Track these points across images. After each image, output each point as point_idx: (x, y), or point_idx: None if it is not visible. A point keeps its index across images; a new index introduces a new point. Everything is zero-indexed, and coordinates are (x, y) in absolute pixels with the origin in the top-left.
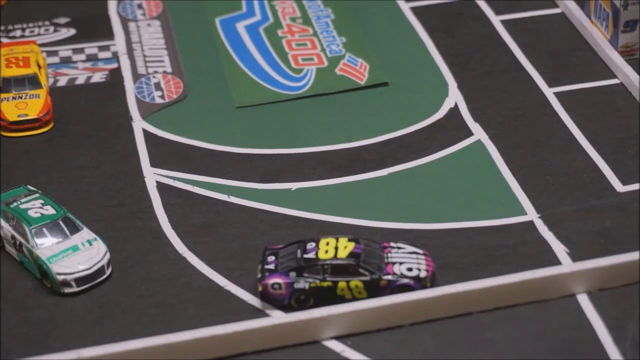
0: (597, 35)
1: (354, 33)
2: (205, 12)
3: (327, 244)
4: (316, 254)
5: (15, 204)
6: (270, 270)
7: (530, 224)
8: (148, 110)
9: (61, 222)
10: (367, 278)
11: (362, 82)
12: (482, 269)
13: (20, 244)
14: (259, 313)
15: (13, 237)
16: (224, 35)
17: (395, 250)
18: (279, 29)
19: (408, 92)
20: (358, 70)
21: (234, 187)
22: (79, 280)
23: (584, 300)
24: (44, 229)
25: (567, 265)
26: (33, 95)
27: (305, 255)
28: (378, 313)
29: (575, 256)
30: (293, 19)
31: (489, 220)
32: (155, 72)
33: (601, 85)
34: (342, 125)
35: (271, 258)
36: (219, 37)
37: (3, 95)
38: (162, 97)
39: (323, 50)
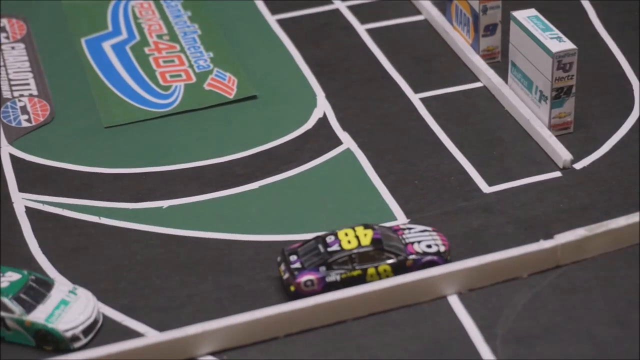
0: (459, 40)
1: (221, 48)
2: (71, 33)
3: (346, 234)
4: (340, 245)
5: None
6: (298, 269)
7: None
8: (15, 135)
9: (32, 283)
10: (394, 260)
11: (231, 96)
12: None
13: (2, 319)
14: (131, 334)
15: None
16: (90, 55)
17: (407, 231)
18: (146, 46)
19: (277, 104)
20: (226, 84)
21: (105, 208)
22: (86, 331)
23: (454, 302)
24: (22, 295)
25: (437, 267)
26: None
27: (330, 249)
28: (252, 326)
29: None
30: (160, 36)
31: None
32: (21, 95)
33: (465, 89)
34: (213, 140)
35: (293, 257)
36: (86, 58)
37: None
38: (29, 120)
39: (191, 66)
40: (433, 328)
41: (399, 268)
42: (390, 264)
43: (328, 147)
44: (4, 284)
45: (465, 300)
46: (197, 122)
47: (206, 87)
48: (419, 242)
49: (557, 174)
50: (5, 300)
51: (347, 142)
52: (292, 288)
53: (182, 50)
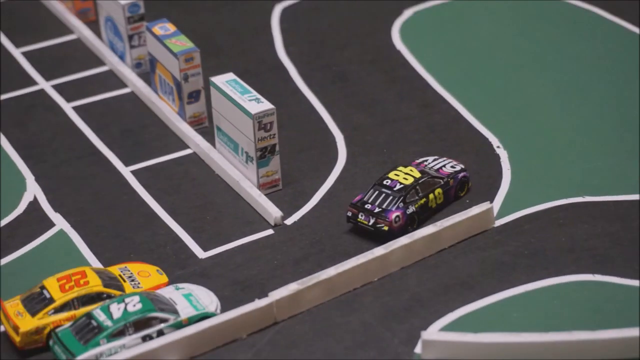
0: (166, 109)
1: None
2: None
3: (397, 175)
4: (400, 183)
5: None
6: (383, 211)
7: None
8: None
9: (154, 296)
10: (442, 183)
11: None
12: None
13: (160, 331)
14: None
15: (144, 338)
16: None
17: (425, 162)
18: None
19: None
20: None
21: None
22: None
23: None
24: (161, 306)
25: (158, 338)
26: None
27: (396, 187)
28: None
29: None
30: None
31: None
32: None
33: (176, 157)
34: None
35: (368, 206)
36: None
37: None
38: None
39: None
40: None
41: (445, 189)
42: (440, 187)
43: (40, 230)
44: (137, 306)
45: None
46: None
47: None
48: (443, 166)
49: (270, 231)
50: (158, 313)
51: (60, 223)
52: (386, 227)
53: None
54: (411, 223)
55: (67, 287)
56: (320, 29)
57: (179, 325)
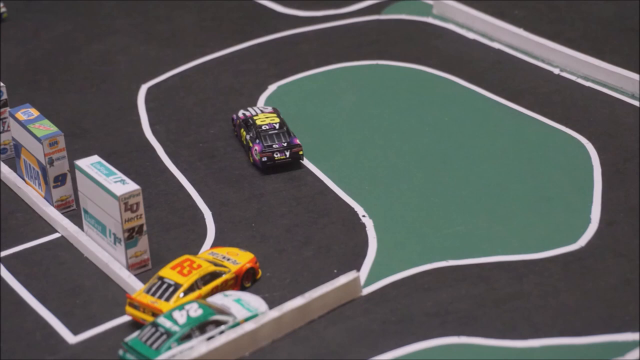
0: (32, 194)
1: None
2: None
3: (263, 120)
4: (273, 122)
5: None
6: (287, 142)
7: None
8: None
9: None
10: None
11: None
12: None
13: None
14: None
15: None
16: None
17: (248, 111)
18: None
19: None
20: None
21: None
22: None
23: None
24: (217, 310)
25: None
26: None
27: (276, 126)
28: None
29: None
30: None
31: None
32: None
33: (44, 242)
34: None
35: (275, 145)
36: None
37: None
38: None
39: None
40: None
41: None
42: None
43: None
44: (198, 312)
45: None
46: None
47: None
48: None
49: None
50: (218, 316)
51: None
52: (301, 152)
53: None
54: None
55: (184, 272)
56: (186, 107)
57: (236, 324)
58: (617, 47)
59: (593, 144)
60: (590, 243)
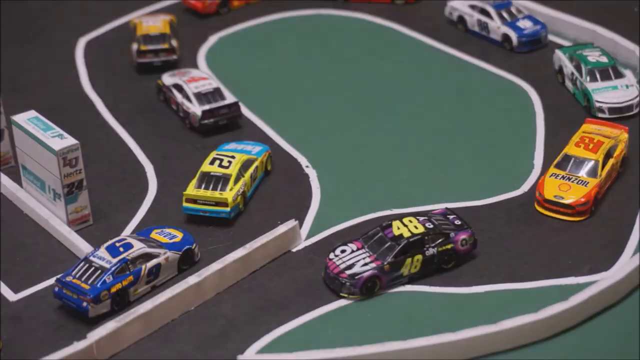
0: None
1: None
2: None
3: (398, 228)
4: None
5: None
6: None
7: None
8: None
9: (610, 70)
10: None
11: None
12: None
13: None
14: None
15: (572, 74)
16: None
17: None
18: None
19: None
20: None
21: None
22: (612, 110)
23: None
24: (596, 72)
25: None
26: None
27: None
28: None
29: None
30: None
31: None
32: None
33: None
34: None
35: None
36: None
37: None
38: None
39: None
40: None
41: None
42: None
43: None
44: (593, 60)
45: None
46: None
47: None
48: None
49: None
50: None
51: None
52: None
53: None
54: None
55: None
56: (125, 60)
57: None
58: None
59: (535, 90)
60: (533, 189)
